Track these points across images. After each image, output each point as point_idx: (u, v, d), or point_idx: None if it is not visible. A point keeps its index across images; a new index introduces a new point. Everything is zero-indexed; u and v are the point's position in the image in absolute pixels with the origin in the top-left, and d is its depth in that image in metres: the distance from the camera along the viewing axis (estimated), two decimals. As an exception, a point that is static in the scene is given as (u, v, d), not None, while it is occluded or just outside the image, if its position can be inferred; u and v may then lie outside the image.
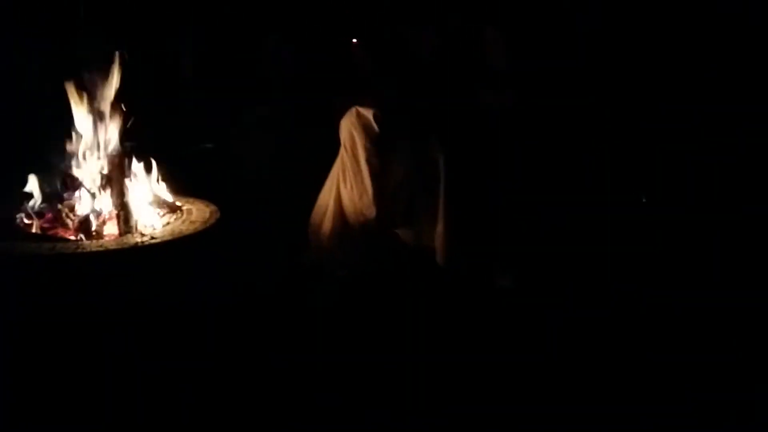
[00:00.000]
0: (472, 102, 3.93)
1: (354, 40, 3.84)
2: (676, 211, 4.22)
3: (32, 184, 3.14)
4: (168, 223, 3.11)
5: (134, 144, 3.17)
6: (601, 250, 3.88)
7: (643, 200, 4.24)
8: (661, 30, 4.74)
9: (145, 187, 3.23)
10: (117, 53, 3.10)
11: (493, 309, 3.39)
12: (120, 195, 3.05)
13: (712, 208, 4.18)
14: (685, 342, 3.16)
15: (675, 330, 3.25)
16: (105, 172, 3.10)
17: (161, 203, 3.25)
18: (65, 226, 3.05)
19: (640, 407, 2.71)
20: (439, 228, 3.62)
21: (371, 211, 3.69)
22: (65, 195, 3.14)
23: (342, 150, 3.77)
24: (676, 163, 4.37)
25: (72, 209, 3.09)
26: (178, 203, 3.29)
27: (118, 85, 3.12)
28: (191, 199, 3.33)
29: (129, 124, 3.16)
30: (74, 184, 3.13)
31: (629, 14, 4.83)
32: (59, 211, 3.09)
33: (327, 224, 3.77)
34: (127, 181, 3.11)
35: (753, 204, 4.18)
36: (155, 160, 3.25)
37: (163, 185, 3.30)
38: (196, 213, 3.16)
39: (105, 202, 3.08)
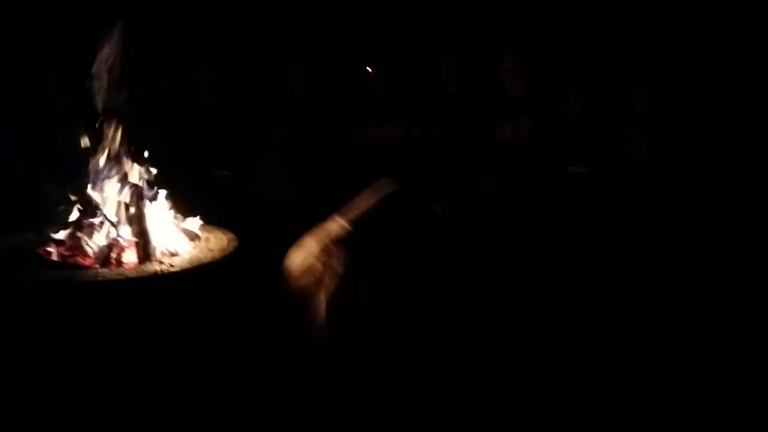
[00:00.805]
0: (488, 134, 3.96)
1: (369, 69, 3.85)
2: (677, 210, 4.27)
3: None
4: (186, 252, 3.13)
5: (153, 172, 3.19)
6: (602, 248, 3.93)
7: None
8: (661, 30, 4.77)
9: (164, 216, 3.25)
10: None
11: (493, 309, 3.44)
12: (139, 223, 3.08)
13: (712, 209, 4.22)
14: (685, 342, 3.22)
15: (675, 330, 3.31)
16: (124, 200, 3.13)
17: (180, 231, 3.27)
18: (85, 254, 3.08)
19: (639, 407, 2.81)
20: None
21: None
22: (85, 222, 3.15)
23: None
24: (677, 163, 4.41)
25: (92, 237, 3.11)
26: (196, 231, 3.31)
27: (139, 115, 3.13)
28: (209, 227, 3.36)
29: (148, 151, 3.18)
30: (94, 212, 3.15)
31: (629, 14, 4.85)
32: (79, 239, 3.11)
33: None
34: (146, 209, 3.13)
35: (753, 204, 4.24)
36: (173, 188, 3.27)
37: (181, 214, 3.32)
38: (214, 241, 3.19)
39: (124, 231, 3.11)
